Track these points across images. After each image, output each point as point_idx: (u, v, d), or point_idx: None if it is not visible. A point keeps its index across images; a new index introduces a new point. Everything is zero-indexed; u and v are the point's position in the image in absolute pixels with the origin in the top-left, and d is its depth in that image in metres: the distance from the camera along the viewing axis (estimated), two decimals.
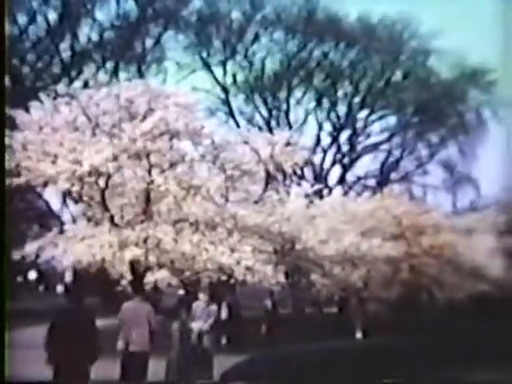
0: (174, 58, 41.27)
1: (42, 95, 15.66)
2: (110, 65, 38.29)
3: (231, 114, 43.03)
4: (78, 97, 15.50)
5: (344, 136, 43.50)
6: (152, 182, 15.40)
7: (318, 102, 43.02)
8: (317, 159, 38.38)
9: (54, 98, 15.51)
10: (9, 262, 10.25)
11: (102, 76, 32.57)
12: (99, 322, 10.77)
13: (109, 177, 15.36)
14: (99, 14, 38.48)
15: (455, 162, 43.87)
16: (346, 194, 38.29)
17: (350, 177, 43.54)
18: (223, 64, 42.65)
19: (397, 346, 22.18)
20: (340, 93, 43.18)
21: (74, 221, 16.79)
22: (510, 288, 28.75)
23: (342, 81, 42.94)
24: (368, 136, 44.02)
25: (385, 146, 44.39)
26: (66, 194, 15.85)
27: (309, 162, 21.77)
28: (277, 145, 17.39)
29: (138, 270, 15.38)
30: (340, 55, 42.61)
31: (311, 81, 42.80)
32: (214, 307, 15.84)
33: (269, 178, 18.17)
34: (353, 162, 43.67)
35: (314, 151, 31.33)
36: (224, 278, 15.92)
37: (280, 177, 20.73)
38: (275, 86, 42.70)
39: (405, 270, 24.92)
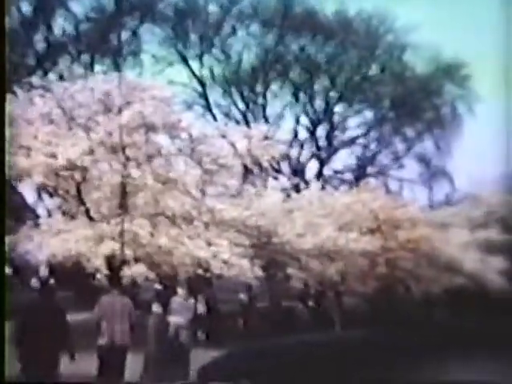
0: (150, 51, 41.00)
1: (16, 87, 15.46)
2: (85, 57, 37.92)
3: (208, 107, 42.84)
4: (53, 89, 15.34)
5: (321, 130, 43.54)
6: (128, 175, 15.31)
7: (295, 96, 42.98)
8: (294, 153, 38.32)
9: (28, 91, 15.33)
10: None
11: (78, 68, 32.27)
12: (75, 317, 10.66)
13: (84, 170, 15.23)
14: (74, 6, 38.12)
15: (431, 156, 44.14)
16: (322, 188, 38.38)
17: (326, 171, 43.56)
18: (200, 57, 42.43)
19: (373, 339, 22.31)
20: (317, 87, 43.16)
21: (50, 215, 16.60)
22: (484, 281, 29.04)
23: (318, 75, 42.91)
24: (345, 130, 44.09)
25: (361, 141, 44.49)
26: (40, 188, 15.65)
27: (286, 156, 21.71)
28: (254, 138, 17.38)
29: (114, 264, 15.28)
30: (317, 49, 42.59)
31: (288, 74, 42.74)
32: (191, 302, 15.78)
33: (246, 172, 18.15)
34: (330, 156, 43.72)
35: (291, 145, 31.29)
36: (201, 271, 15.87)
37: (257, 171, 20.65)
38: (252, 80, 42.59)
39: (381, 264, 25.01)
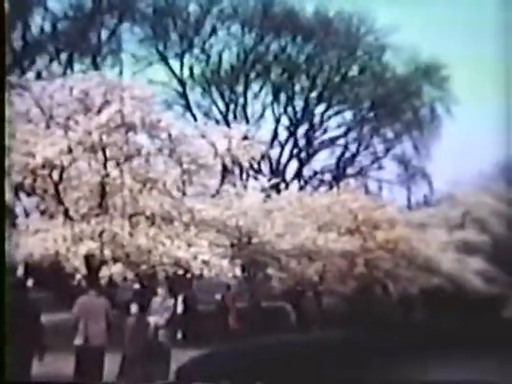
0: (130, 50, 40.84)
1: None
2: (63, 56, 37.66)
3: (188, 107, 42.75)
4: (31, 88, 15.21)
5: (301, 130, 43.63)
6: (107, 175, 15.23)
7: (276, 96, 43.02)
8: (274, 153, 38.37)
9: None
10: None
11: (56, 67, 32.04)
12: (53, 317, 10.60)
13: (63, 169, 15.14)
14: (52, 4, 37.80)
15: (409, 157, 44.41)
16: (302, 188, 38.48)
17: (306, 171, 43.70)
18: (180, 57, 42.34)
19: (352, 339, 22.39)
20: (297, 87, 43.25)
21: (27, 214, 16.46)
22: (461, 281, 29.28)
23: (299, 75, 42.99)
24: (325, 131, 44.19)
25: (341, 141, 44.66)
26: (18, 187, 15.52)
27: (266, 156, 21.74)
28: (234, 139, 17.38)
29: (92, 264, 15.20)
30: (297, 49, 42.67)
31: (268, 75, 42.77)
32: (170, 302, 15.74)
33: (226, 172, 18.14)
34: (310, 156, 43.82)
35: (271, 145, 31.33)
36: (180, 272, 15.83)
37: (237, 171, 20.67)
38: (232, 80, 42.58)
39: (360, 264, 25.13)
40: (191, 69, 42.60)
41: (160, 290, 15.71)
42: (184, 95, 42.70)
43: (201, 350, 16.93)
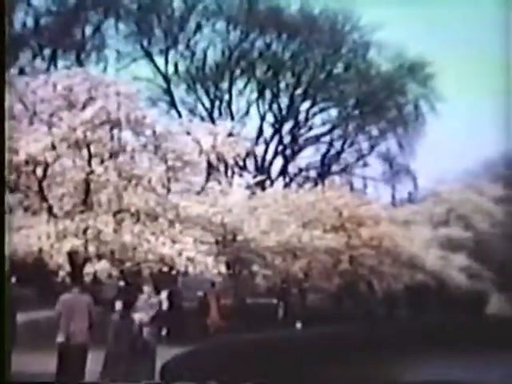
0: (114, 46, 40.65)
1: None
2: (47, 52, 37.40)
3: (173, 103, 42.64)
4: (14, 84, 15.08)
5: (286, 127, 43.65)
6: (92, 171, 15.14)
7: (261, 93, 43.01)
8: (259, 150, 38.34)
9: None
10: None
11: (39, 63, 31.82)
12: (35, 315, 10.53)
13: (47, 166, 15.03)
14: None
15: (394, 155, 44.58)
16: (287, 185, 38.53)
17: (291, 168, 43.73)
18: (165, 53, 42.20)
19: (337, 335, 22.46)
20: (282, 84, 43.26)
21: (11, 211, 16.33)
22: (445, 278, 29.45)
23: (284, 72, 43.00)
24: (310, 128, 44.27)
25: (326, 138, 44.73)
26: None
27: (251, 153, 21.71)
28: (219, 135, 17.32)
29: (76, 261, 15.11)
30: (282, 46, 42.66)
31: (253, 72, 42.74)
32: (155, 299, 15.68)
33: (211, 169, 18.09)
34: (295, 153, 43.87)
35: (256, 142, 31.28)
36: (165, 269, 15.79)
37: (222, 168, 20.61)
38: (217, 77, 42.50)
39: (345, 261, 25.22)
40: (176, 65, 42.51)
41: (145, 287, 15.64)
42: (169, 92, 42.59)
43: (185, 347, 16.91)
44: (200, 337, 18.89)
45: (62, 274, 15.09)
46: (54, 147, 14.70)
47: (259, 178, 24.36)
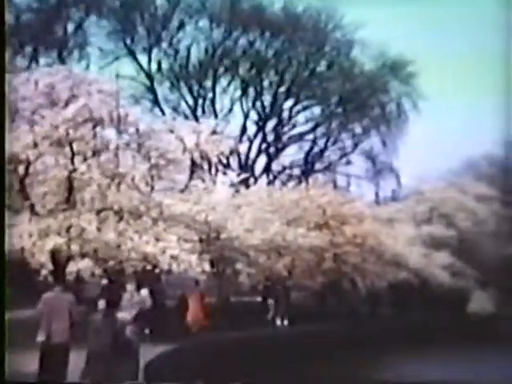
0: (97, 44, 40.37)
1: None
2: (28, 49, 37.08)
3: (156, 101, 42.46)
4: None
5: (270, 125, 43.61)
6: (75, 170, 15.06)
7: (244, 91, 42.95)
8: (242, 148, 38.28)
9: None
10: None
11: (20, 61, 31.56)
12: (18, 314, 10.42)
13: (29, 164, 14.92)
14: None
15: (377, 153, 44.69)
16: (271, 183, 38.50)
17: (275, 166, 43.70)
18: (148, 51, 42.02)
19: (321, 333, 22.49)
20: (265, 82, 43.22)
21: None
22: (428, 276, 29.58)
23: (267, 70, 42.97)
24: (293, 126, 44.25)
25: (310, 136, 44.76)
26: None
27: (234, 151, 21.68)
28: (202, 133, 17.32)
29: (59, 259, 15.01)
30: (265, 44, 42.63)
31: (237, 70, 42.67)
32: (138, 297, 15.62)
33: (194, 167, 18.05)
34: (278, 151, 43.85)
35: (239, 140, 31.22)
36: (149, 267, 15.73)
37: (206, 166, 20.57)
38: (201, 75, 42.38)
39: (329, 259, 25.24)
40: (159, 63, 42.31)
41: (128, 286, 15.58)
42: (152, 90, 42.38)
43: (169, 345, 16.85)
44: (182, 335, 18.82)
45: (44, 272, 14.98)
46: (35, 145, 14.60)
47: (243, 175, 24.33)
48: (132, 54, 41.96)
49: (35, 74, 15.82)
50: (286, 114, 43.82)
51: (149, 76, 42.20)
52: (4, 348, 9.19)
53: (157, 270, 16.20)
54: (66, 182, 15.34)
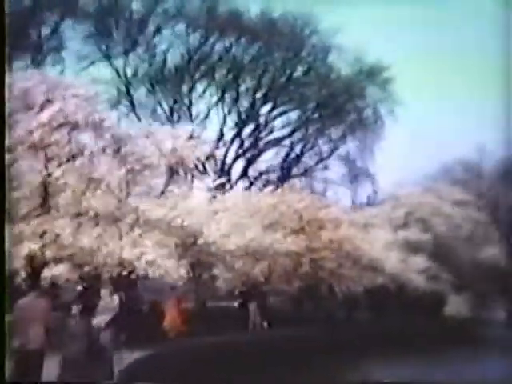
0: (72, 48, 40.11)
1: None
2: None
3: (132, 106, 42.30)
4: None
5: (247, 131, 43.65)
6: (49, 174, 14.93)
7: (221, 97, 42.96)
8: (219, 154, 38.28)
9: None
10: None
11: None
12: None
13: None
14: None
15: (354, 158, 44.88)
16: (248, 188, 38.52)
17: (252, 171, 43.72)
18: (124, 56, 41.85)
19: (297, 338, 22.49)
20: (242, 87, 43.27)
21: None
22: (405, 281, 29.73)
23: (244, 76, 43.03)
24: (270, 131, 44.34)
25: (286, 141, 44.85)
26: None
27: (211, 157, 21.67)
28: (179, 138, 17.26)
29: (34, 265, 14.87)
30: (242, 50, 42.68)
31: (213, 75, 42.67)
32: (114, 303, 15.52)
33: (171, 172, 18.00)
34: (255, 156, 43.89)
35: (216, 145, 31.20)
36: (125, 272, 15.64)
37: (182, 171, 20.53)
38: (177, 80, 42.31)
39: (305, 264, 25.26)
40: (136, 68, 42.17)
41: (104, 291, 15.48)
42: (128, 94, 42.22)
43: (145, 351, 16.75)
44: (159, 341, 18.72)
45: (18, 278, 14.83)
46: (10, 150, 14.45)
47: (219, 181, 24.29)
48: (108, 58, 41.76)
49: (9, 78, 15.68)
50: (262, 119, 43.91)
51: (125, 81, 42.03)
52: (4, 350, 9.09)
53: (133, 276, 16.11)
54: (40, 187, 15.22)
